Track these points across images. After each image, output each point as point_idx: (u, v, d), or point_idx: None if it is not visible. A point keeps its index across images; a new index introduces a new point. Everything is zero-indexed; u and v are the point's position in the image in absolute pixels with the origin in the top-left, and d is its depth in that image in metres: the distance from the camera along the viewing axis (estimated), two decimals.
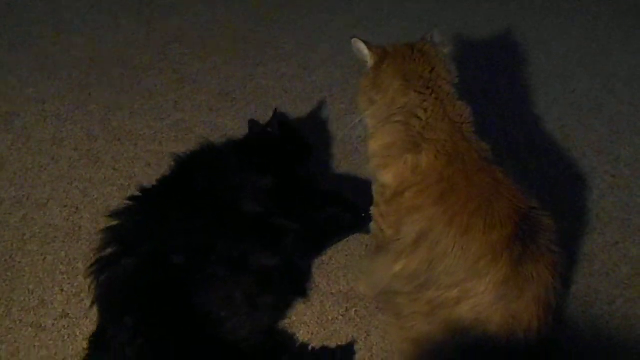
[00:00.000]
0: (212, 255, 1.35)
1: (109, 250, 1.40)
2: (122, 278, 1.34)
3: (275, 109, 1.77)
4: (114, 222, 1.46)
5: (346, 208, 1.64)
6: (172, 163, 1.62)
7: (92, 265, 1.40)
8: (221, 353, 1.29)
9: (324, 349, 1.42)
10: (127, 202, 1.53)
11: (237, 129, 1.99)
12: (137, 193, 1.56)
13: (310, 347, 1.43)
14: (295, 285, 1.51)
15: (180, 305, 1.29)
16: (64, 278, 1.56)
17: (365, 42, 1.39)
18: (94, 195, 1.78)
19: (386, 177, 1.32)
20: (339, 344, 1.43)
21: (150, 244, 1.37)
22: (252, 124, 1.81)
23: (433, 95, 1.30)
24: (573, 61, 2.36)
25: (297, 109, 2.08)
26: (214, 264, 1.34)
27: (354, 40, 1.40)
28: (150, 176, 1.80)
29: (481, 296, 1.17)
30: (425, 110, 1.29)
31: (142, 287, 1.31)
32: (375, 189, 1.40)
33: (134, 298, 1.30)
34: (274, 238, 1.46)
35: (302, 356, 1.41)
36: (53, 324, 1.47)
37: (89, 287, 1.41)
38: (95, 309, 1.38)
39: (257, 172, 1.53)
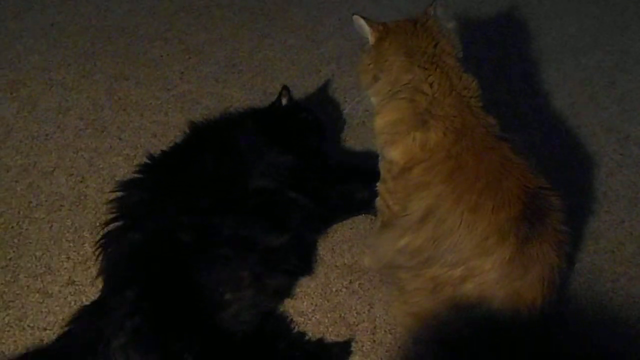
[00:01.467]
0: (220, 233, 1.34)
1: (117, 224, 1.40)
2: (128, 252, 1.34)
3: (284, 86, 1.73)
4: (123, 194, 1.46)
5: (361, 185, 1.62)
6: (187, 130, 1.61)
7: (100, 238, 1.41)
8: (218, 335, 1.27)
9: (320, 342, 1.40)
10: (136, 174, 1.52)
11: (244, 101, 1.97)
12: (146, 161, 1.55)
13: (306, 338, 1.40)
14: (302, 262, 1.49)
15: (183, 284, 1.28)
16: (70, 246, 1.57)
17: (366, 19, 1.35)
18: (99, 165, 1.78)
19: (394, 154, 1.30)
20: (336, 339, 1.42)
21: (158, 219, 1.36)
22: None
23: (438, 70, 1.28)
24: (585, 37, 2.31)
25: (304, 82, 2.06)
26: (222, 243, 1.33)
27: (354, 17, 1.36)
28: (156, 147, 1.80)
29: (486, 274, 1.17)
30: (431, 85, 1.27)
31: (147, 262, 1.31)
32: (382, 165, 1.39)
33: (138, 273, 1.30)
34: (284, 214, 1.44)
35: (299, 345, 1.39)
36: (59, 291, 1.48)
37: (96, 259, 1.42)
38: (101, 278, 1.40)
39: (278, 148, 1.51)
